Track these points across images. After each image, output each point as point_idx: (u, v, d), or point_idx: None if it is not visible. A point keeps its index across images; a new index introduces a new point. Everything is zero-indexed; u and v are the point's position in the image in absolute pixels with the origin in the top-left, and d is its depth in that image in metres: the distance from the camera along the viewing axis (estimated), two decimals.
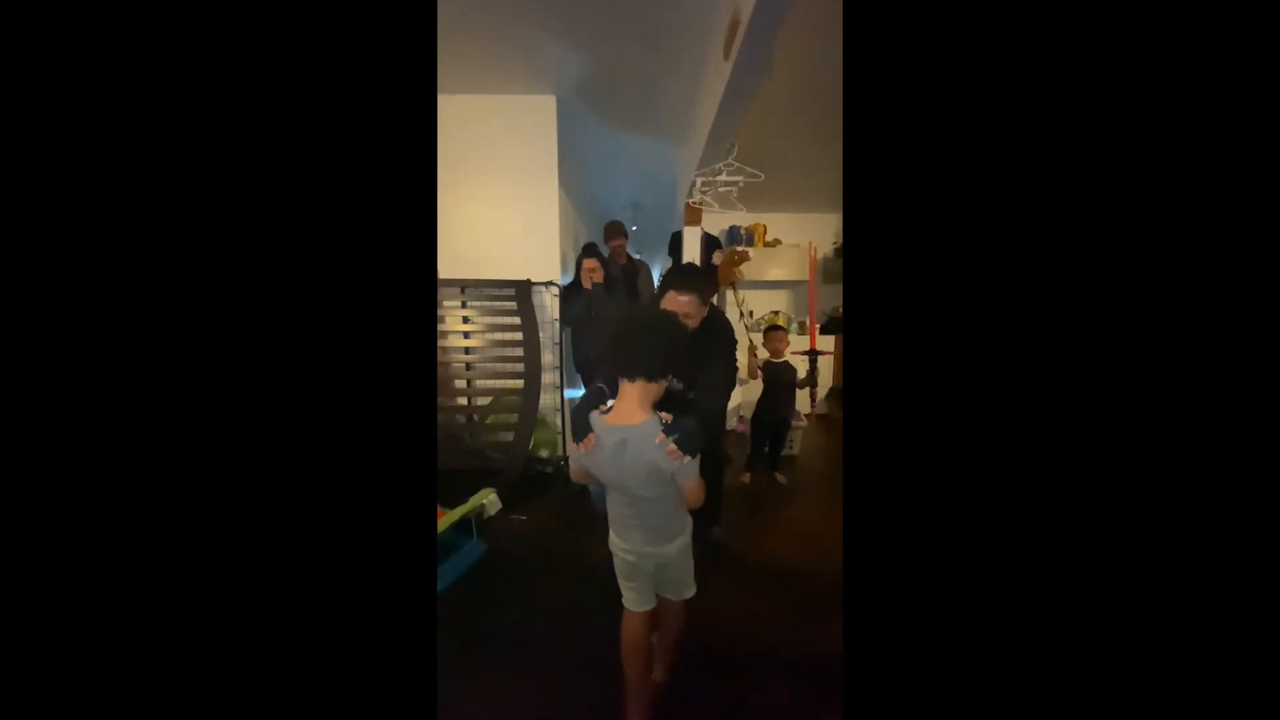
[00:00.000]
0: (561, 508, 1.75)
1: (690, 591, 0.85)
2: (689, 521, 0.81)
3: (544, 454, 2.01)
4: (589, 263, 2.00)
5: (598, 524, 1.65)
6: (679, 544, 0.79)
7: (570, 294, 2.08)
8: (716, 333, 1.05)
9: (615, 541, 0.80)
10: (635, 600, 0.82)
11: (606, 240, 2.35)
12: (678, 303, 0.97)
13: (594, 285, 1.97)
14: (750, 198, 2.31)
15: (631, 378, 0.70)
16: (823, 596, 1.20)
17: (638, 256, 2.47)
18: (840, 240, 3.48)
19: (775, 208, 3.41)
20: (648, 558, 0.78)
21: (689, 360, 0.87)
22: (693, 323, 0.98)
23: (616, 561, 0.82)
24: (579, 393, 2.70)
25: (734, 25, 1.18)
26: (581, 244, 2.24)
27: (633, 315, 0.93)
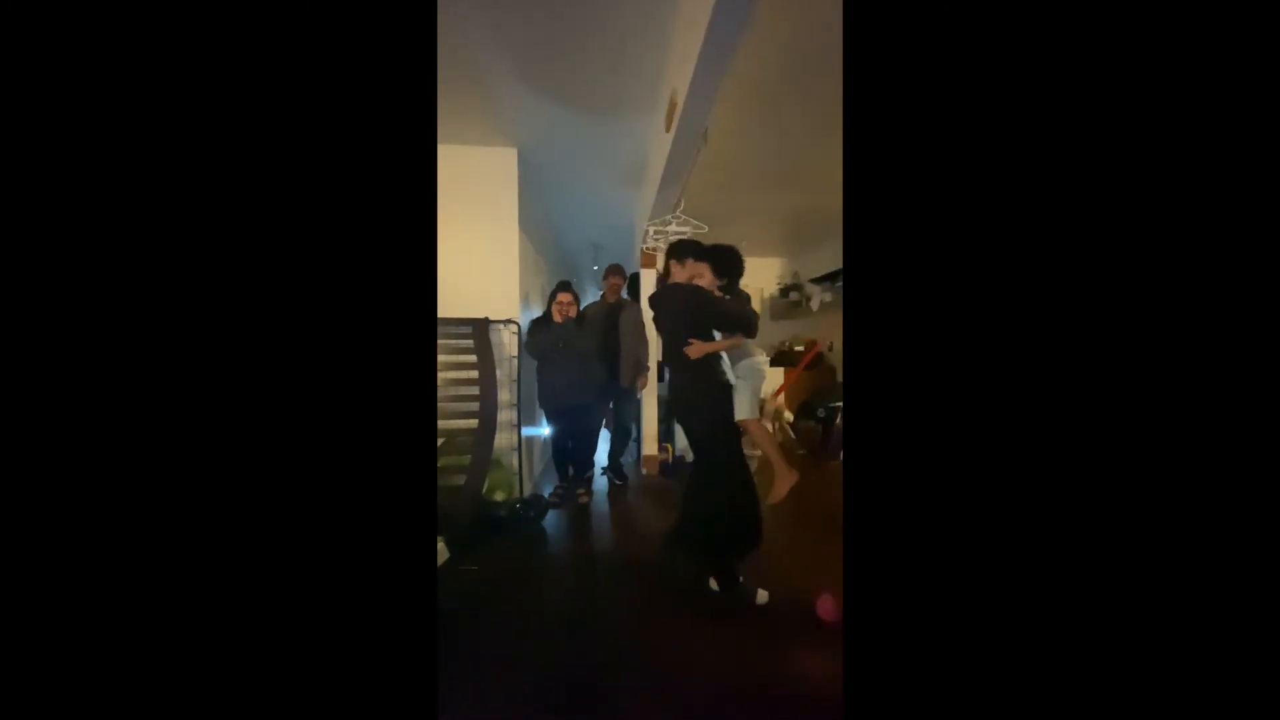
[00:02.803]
0: (519, 556, 1.67)
1: (753, 413, 1.43)
2: (737, 363, 1.44)
3: (499, 497, 1.94)
4: (564, 296, 2.06)
5: (557, 572, 1.59)
6: (740, 369, 1.43)
7: (539, 327, 2.10)
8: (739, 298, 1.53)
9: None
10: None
11: (605, 278, 2.50)
12: (695, 268, 1.38)
13: (565, 319, 2.03)
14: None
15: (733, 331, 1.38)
16: (787, 619, 1.21)
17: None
18: (784, 281, 3.81)
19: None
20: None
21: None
22: (703, 282, 1.38)
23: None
24: (538, 430, 2.64)
25: (672, 105, 1.37)
26: (542, 282, 2.32)
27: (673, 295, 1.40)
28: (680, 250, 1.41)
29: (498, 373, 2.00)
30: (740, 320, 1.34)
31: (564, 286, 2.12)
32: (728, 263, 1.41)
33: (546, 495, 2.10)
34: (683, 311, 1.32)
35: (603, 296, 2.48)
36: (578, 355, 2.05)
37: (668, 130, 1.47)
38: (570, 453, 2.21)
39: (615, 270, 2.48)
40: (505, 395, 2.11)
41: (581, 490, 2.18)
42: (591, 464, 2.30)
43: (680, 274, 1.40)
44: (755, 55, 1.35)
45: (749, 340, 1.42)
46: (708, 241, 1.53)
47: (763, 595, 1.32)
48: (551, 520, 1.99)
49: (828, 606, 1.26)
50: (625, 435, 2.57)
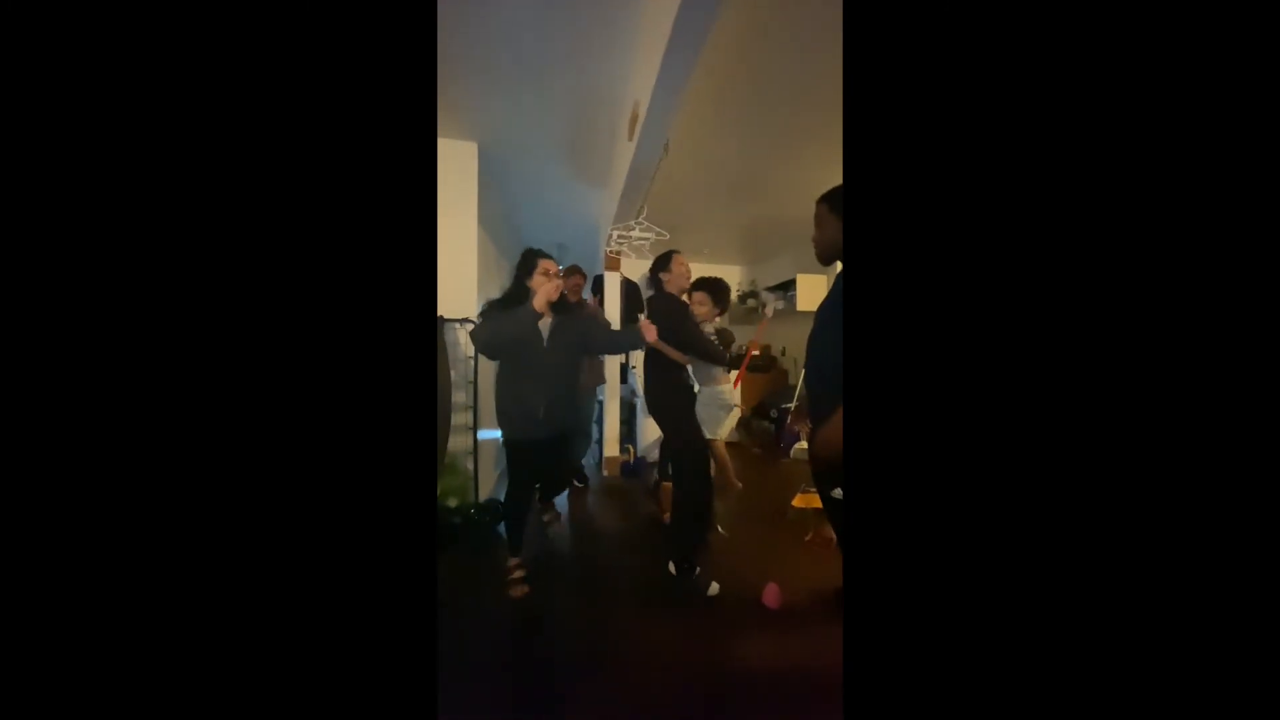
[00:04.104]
0: (471, 564, 1.62)
1: (712, 435, 1.74)
2: (702, 388, 1.75)
3: (452, 503, 1.86)
4: (547, 264, 1.30)
5: (511, 578, 1.56)
6: (702, 395, 1.76)
7: (502, 312, 1.29)
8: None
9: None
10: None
11: (565, 277, 2.36)
12: (699, 297, 1.73)
13: (549, 303, 1.25)
14: (662, 249, 2.58)
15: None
16: (746, 618, 1.26)
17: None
18: (742, 289, 3.98)
19: (688, 257, 3.81)
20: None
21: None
22: (704, 309, 1.74)
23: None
24: (495, 433, 2.55)
25: (635, 115, 1.40)
26: (502, 281, 2.22)
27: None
28: (663, 262, 1.62)
29: (452, 373, 1.93)
30: (705, 354, 1.60)
31: (540, 254, 1.35)
32: (723, 296, 1.81)
33: (501, 504, 2.04)
34: (668, 322, 1.51)
35: (563, 296, 2.44)
36: (563, 351, 1.34)
37: (630, 139, 1.50)
38: (545, 483, 1.76)
39: (575, 270, 2.46)
40: (460, 397, 2.03)
41: (549, 516, 1.88)
42: (562, 487, 2.11)
43: (669, 282, 1.61)
44: (717, 69, 1.42)
45: (718, 369, 1.71)
46: (668, 247, 1.61)
47: (714, 587, 1.38)
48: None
49: (773, 595, 1.35)
50: (586, 438, 2.56)
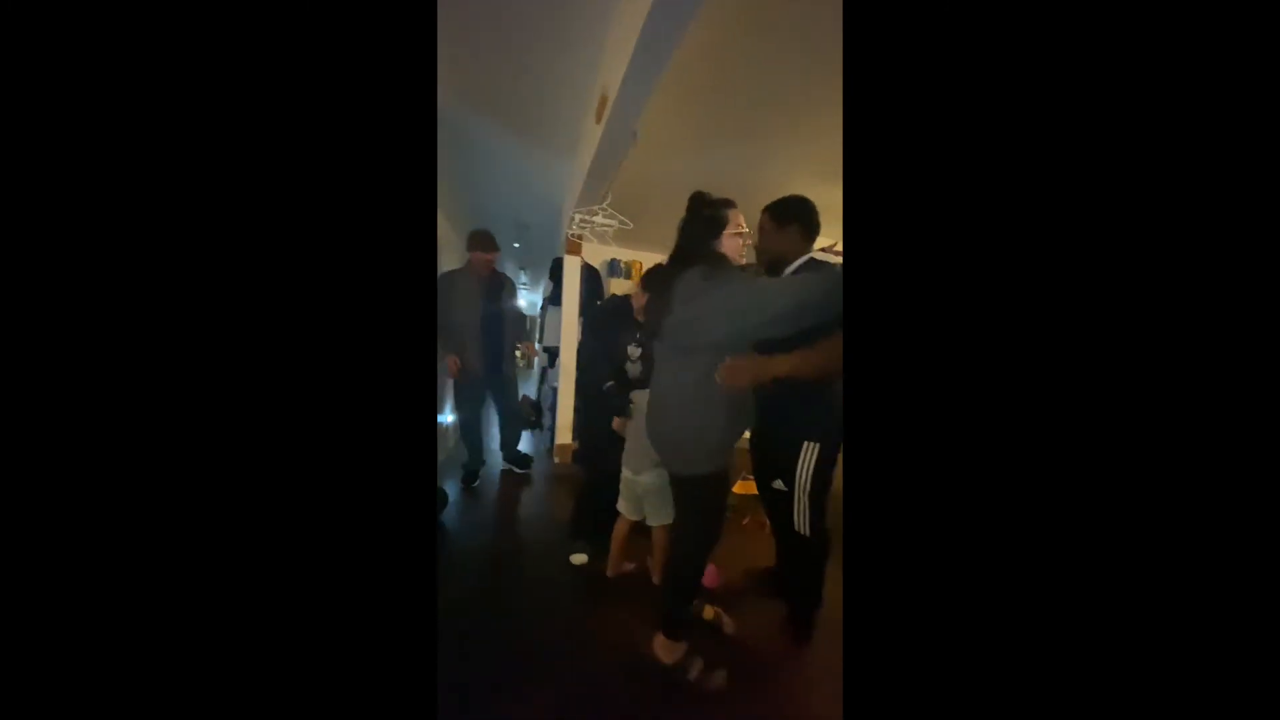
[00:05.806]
0: (444, 547, 1.53)
1: (664, 520, 1.25)
2: (662, 468, 1.17)
3: None
4: (740, 217, 0.92)
5: (457, 569, 1.51)
6: (649, 478, 1.25)
7: (694, 272, 0.93)
8: None
9: (623, 473, 1.32)
10: (626, 511, 1.35)
11: (469, 249, 2.04)
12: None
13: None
14: (625, 237, 2.56)
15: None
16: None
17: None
18: None
19: (651, 248, 3.82)
20: (632, 483, 1.28)
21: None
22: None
23: (621, 485, 1.33)
24: (440, 418, 2.39)
25: (603, 100, 1.37)
26: (457, 257, 2.05)
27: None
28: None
29: None
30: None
31: (727, 201, 0.94)
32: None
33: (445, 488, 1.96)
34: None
35: (469, 266, 2.03)
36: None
37: (598, 123, 1.46)
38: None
39: (483, 241, 1.98)
40: None
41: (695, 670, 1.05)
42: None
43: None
44: (691, 66, 1.41)
45: None
46: (631, 236, 1.59)
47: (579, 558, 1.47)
48: (451, 514, 1.87)
49: (712, 575, 1.45)
50: (516, 422, 2.48)
